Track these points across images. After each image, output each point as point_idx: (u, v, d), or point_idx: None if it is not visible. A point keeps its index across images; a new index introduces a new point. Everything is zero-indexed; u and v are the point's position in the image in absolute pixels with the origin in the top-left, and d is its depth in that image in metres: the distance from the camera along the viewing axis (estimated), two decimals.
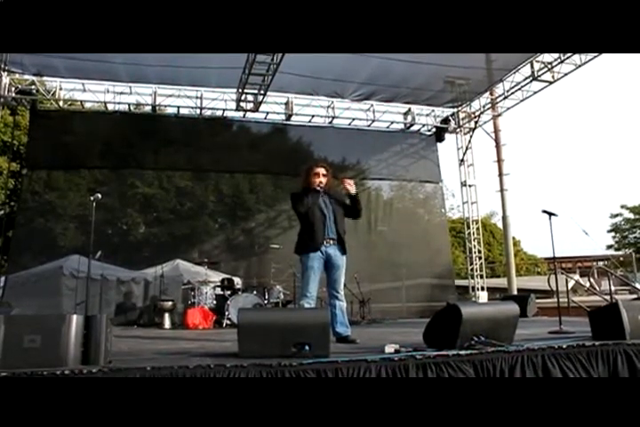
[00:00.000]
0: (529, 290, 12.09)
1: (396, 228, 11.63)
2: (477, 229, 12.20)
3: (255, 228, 11.20)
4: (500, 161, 11.91)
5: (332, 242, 4.35)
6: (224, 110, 10.99)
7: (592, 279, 12.85)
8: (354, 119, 11.53)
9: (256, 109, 10.57)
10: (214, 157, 10.74)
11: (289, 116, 11.16)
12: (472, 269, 11.98)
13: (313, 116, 11.33)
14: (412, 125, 12.00)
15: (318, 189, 4.39)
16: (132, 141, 10.64)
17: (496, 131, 11.98)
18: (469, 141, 12.16)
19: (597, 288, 12.01)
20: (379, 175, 11.96)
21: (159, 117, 11.11)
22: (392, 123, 11.93)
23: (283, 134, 11.58)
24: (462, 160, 12.24)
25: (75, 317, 2.68)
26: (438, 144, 12.20)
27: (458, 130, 12.24)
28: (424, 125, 12.13)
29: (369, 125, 11.74)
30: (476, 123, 11.94)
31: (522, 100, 10.78)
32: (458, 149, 12.40)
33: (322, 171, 4.47)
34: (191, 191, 11.03)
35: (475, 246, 12.07)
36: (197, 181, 11.11)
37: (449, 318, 3.24)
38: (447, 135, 12.10)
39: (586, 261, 21.19)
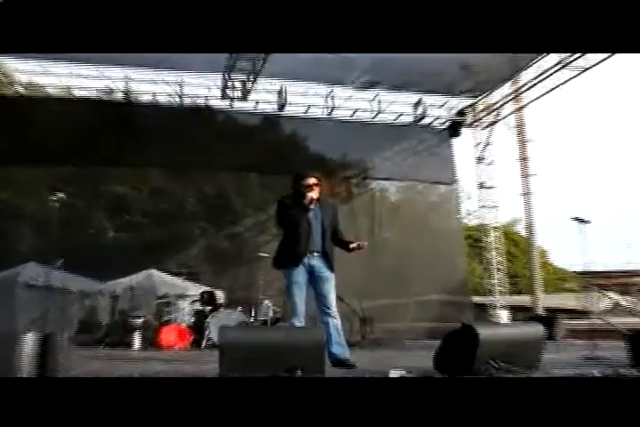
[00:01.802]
0: (557, 309, 12.10)
1: (404, 235, 11.68)
2: (497, 237, 12.24)
3: (242, 234, 11.28)
4: (524, 159, 12.00)
5: (316, 255, 4.47)
6: (207, 98, 11.03)
7: (632, 298, 12.83)
8: (356, 110, 11.57)
9: (244, 98, 10.61)
10: (196, 152, 10.81)
11: (282, 106, 11.16)
12: (491, 285, 12.00)
13: (309, 106, 11.33)
14: (423, 118, 12.03)
15: (308, 206, 4.49)
16: (100, 133, 10.54)
17: (520, 125, 12.06)
18: (489, 137, 12.20)
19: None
20: (384, 175, 11.99)
21: (132, 106, 11.07)
22: (400, 115, 11.95)
23: (275, 127, 11.64)
24: (480, 158, 12.26)
25: (30, 335, 2.66)
26: (453, 140, 12.27)
27: (476, 124, 12.30)
28: (437, 118, 12.17)
29: (374, 118, 11.77)
30: (496, 116, 11.97)
31: (550, 91, 10.62)
32: (475, 145, 12.43)
33: (312, 182, 4.56)
34: (168, 191, 11.12)
35: (494, 258, 12.11)
36: (176, 179, 11.20)
37: (464, 341, 3.24)
38: (463, 130, 12.18)
39: (625, 276, 21.26)
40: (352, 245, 4.60)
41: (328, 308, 4.47)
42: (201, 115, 11.18)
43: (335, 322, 4.45)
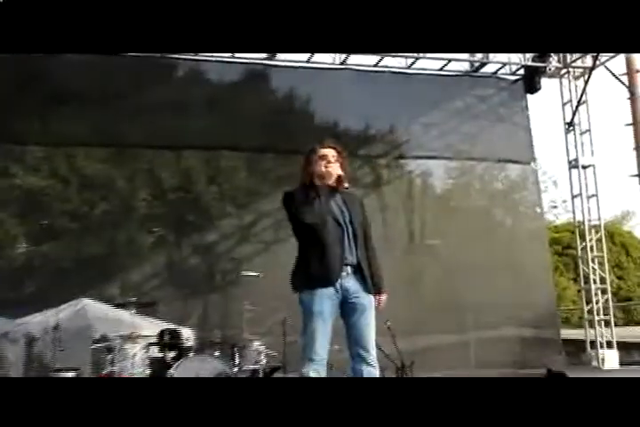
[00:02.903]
0: None
1: (458, 241, 11.78)
2: (599, 241, 12.23)
3: (217, 243, 11.36)
4: (637, 124, 11.90)
5: (350, 270, 4.55)
6: None
7: None
8: (384, 56, 11.58)
9: None
10: (146, 122, 10.91)
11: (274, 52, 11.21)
12: (591, 311, 11.96)
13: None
14: (483, 65, 12.11)
15: (330, 184, 4.60)
16: (4, 96, 10.51)
17: (631, 73, 12.00)
18: (584, 91, 12.12)
19: None
20: (427, 151, 12.16)
21: (53, 56, 10.69)
22: (450, 61, 12.02)
23: (263, 83, 11.82)
24: (571, 124, 12.23)
25: None
26: (529, 97, 12.35)
27: (564, 72, 12.28)
28: (504, 65, 12.22)
29: (410, 66, 11.84)
30: (595, 59, 11.89)
31: None
32: (563, 104, 12.37)
33: (330, 153, 4.69)
34: (107, 182, 11.16)
35: (595, 271, 12.07)
36: (118, 163, 11.28)
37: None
38: (544, 81, 12.22)
39: None
40: (380, 298, 4.69)
41: (366, 351, 4.47)
42: (153, 66, 11.25)
43: (372, 372, 4.45)
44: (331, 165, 4.62)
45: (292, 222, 4.62)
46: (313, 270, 4.47)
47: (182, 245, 11.32)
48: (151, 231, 11.22)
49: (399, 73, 11.83)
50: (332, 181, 4.59)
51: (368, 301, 4.53)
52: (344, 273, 4.48)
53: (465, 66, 12.21)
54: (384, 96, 11.60)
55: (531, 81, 12.15)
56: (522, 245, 12.29)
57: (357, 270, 4.54)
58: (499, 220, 12.64)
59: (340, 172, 4.61)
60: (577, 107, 12.24)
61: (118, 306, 9.31)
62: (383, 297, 4.70)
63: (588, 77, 12.14)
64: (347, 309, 4.50)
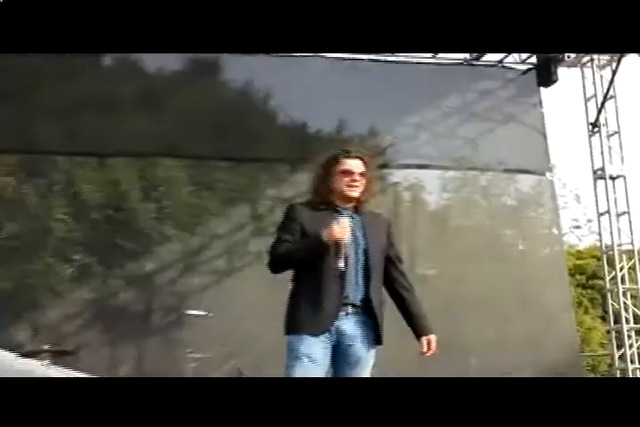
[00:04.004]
0: None
1: (457, 270, 11.90)
2: (632, 269, 12.26)
3: (155, 274, 11.36)
4: None
5: (350, 310, 4.55)
6: None
7: None
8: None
9: None
10: (63, 123, 10.99)
11: None
12: (623, 358, 11.94)
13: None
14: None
15: (347, 207, 4.66)
16: None
17: None
18: (611, 84, 12.15)
19: None
20: (417, 159, 12.25)
21: None
22: None
23: (213, 75, 11.95)
24: (595, 124, 12.26)
25: None
26: (543, 91, 12.51)
27: (586, 60, 12.31)
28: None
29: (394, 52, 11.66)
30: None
31: None
32: (586, 100, 12.44)
33: (356, 167, 4.68)
34: (14, 198, 11.16)
35: (628, 308, 12.09)
36: (27, 174, 11.30)
37: None
38: (562, 71, 12.32)
39: None
40: (424, 342, 4.76)
41: None
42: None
43: None
44: (355, 184, 4.61)
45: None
46: (302, 312, 4.50)
47: (111, 277, 11.29)
48: (71, 260, 11.31)
49: (382, 61, 11.84)
50: (352, 205, 4.62)
51: (365, 352, 4.53)
52: (342, 313, 4.49)
53: (465, 53, 12.19)
54: (363, 90, 11.68)
55: (545, 71, 12.21)
56: (536, 274, 12.34)
57: (362, 311, 4.54)
58: (507, 244, 12.67)
59: (358, 194, 4.61)
60: (603, 103, 12.18)
61: (28, 355, 9.18)
62: (433, 338, 4.74)
63: (617, 66, 12.11)
64: (338, 357, 4.50)
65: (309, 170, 4.98)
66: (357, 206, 4.66)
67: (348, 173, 4.60)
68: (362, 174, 4.62)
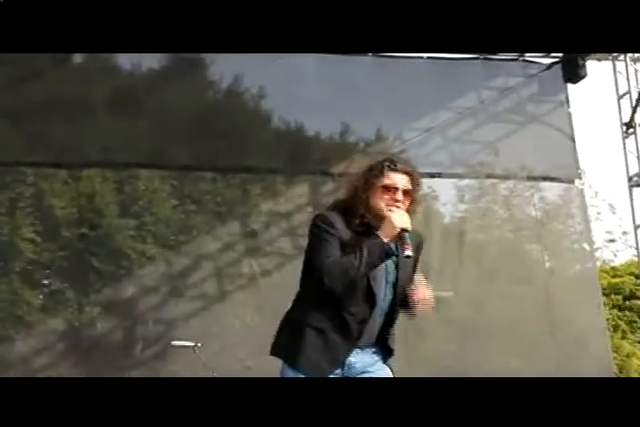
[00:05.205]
0: None
1: (475, 291, 11.68)
2: None
3: (137, 300, 11.10)
4: None
5: (366, 350, 4.50)
6: None
7: None
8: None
9: None
10: (27, 130, 10.64)
11: None
12: None
13: None
14: None
15: (385, 236, 4.31)
16: None
17: None
18: None
19: None
20: (429, 166, 11.62)
21: None
22: None
23: (197, 75, 11.75)
24: (630, 125, 11.79)
25: None
26: (570, 87, 12.25)
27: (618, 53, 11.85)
28: None
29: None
30: None
31: None
32: (619, 98, 12.02)
33: (402, 184, 4.43)
34: None
35: None
36: None
37: None
38: (591, 65, 12.07)
39: None
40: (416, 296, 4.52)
41: None
42: None
43: None
44: (398, 207, 4.32)
45: (307, 266, 4.45)
46: (305, 345, 4.35)
47: (86, 304, 10.92)
48: (41, 285, 11.13)
49: (388, 57, 11.36)
50: (391, 236, 4.23)
51: (384, 374, 4.49)
52: (355, 353, 4.42)
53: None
54: (367, 89, 11.50)
55: (572, 65, 11.85)
56: (565, 295, 12.04)
57: (377, 346, 4.51)
58: (532, 261, 12.42)
59: (408, 223, 4.24)
60: (638, 100, 11.74)
61: None
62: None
63: None
64: None
65: (344, 178, 4.94)
66: (394, 242, 4.31)
67: (391, 189, 4.35)
68: (406, 193, 4.36)
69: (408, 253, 4.24)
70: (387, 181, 4.35)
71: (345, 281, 4.25)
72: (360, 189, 4.42)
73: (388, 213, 4.28)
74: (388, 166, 4.38)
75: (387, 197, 4.33)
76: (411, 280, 4.55)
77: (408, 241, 4.24)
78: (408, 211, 4.35)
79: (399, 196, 4.32)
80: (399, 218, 4.23)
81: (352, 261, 4.20)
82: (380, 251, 4.23)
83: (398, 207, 4.31)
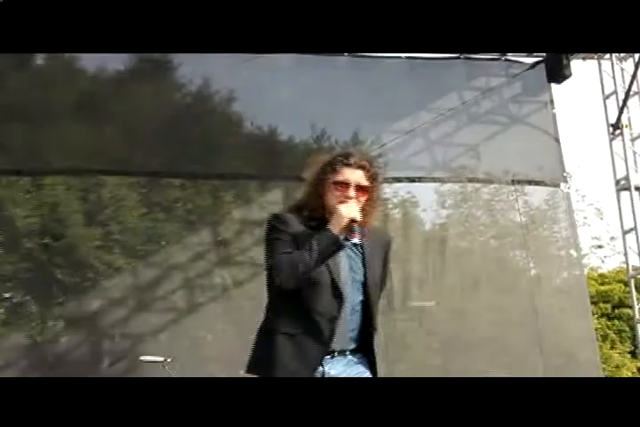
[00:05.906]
0: None
1: (457, 300, 11.72)
2: None
3: (103, 313, 10.88)
4: None
5: (338, 354, 4.47)
6: None
7: None
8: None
9: None
10: None
11: None
12: None
13: None
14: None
15: (339, 229, 4.37)
16: None
17: None
18: (634, 78, 11.61)
19: None
20: (409, 170, 11.91)
21: None
22: None
23: (163, 76, 11.66)
24: (617, 126, 11.64)
25: None
26: (555, 88, 12.23)
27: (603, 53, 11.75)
28: None
29: None
30: None
31: None
32: (605, 98, 11.91)
33: (355, 180, 4.45)
34: None
35: None
36: None
37: None
38: (576, 64, 12.04)
39: None
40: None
41: None
42: None
43: None
44: (349, 201, 4.35)
45: (269, 273, 4.44)
46: (281, 363, 4.37)
47: (49, 318, 10.81)
48: (1, 299, 11.03)
49: (364, 57, 11.31)
50: (340, 227, 4.27)
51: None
52: (327, 357, 4.40)
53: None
54: (343, 90, 11.40)
55: (556, 65, 11.79)
56: (552, 304, 11.99)
57: (356, 352, 4.50)
58: (517, 268, 12.46)
59: (356, 214, 4.28)
60: (625, 101, 11.60)
61: None
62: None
63: None
64: None
65: (304, 175, 4.74)
66: (362, 228, 4.40)
67: (343, 185, 4.39)
68: (361, 189, 4.39)
69: (355, 240, 4.34)
70: (338, 178, 4.37)
71: (296, 275, 4.25)
72: (314, 187, 4.47)
73: (337, 206, 4.29)
74: (341, 161, 4.39)
75: (338, 193, 4.35)
76: (383, 282, 4.59)
77: (357, 231, 4.30)
78: (364, 207, 4.35)
79: (351, 192, 4.33)
80: (347, 209, 4.24)
81: (302, 254, 4.21)
82: (329, 241, 4.23)
83: (349, 206, 4.31)
